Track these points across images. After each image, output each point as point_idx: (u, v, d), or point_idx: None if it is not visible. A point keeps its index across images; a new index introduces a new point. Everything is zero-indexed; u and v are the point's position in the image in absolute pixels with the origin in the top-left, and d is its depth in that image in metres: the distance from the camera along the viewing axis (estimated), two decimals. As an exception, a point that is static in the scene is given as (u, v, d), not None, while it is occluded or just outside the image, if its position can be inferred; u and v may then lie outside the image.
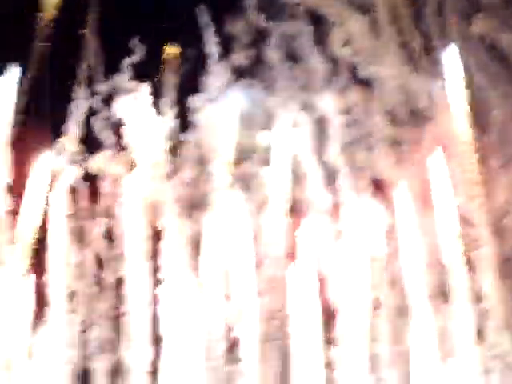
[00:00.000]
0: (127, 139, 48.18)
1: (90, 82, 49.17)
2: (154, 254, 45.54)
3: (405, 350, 42.62)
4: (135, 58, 48.97)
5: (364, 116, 45.57)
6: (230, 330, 43.91)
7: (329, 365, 43.07)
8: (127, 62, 49.06)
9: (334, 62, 46.89)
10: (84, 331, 45.25)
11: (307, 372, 42.65)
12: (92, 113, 48.91)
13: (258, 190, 46.16)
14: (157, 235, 45.95)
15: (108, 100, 49.04)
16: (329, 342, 43.12)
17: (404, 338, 42.79)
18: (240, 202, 45.54)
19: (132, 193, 47.09)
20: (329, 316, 43.38)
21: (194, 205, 46.31)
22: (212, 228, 45.31)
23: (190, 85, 48.82)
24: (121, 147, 48.05)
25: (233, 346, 43.94)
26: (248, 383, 43.23)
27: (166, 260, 45.09)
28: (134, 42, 48.73)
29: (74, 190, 47.48)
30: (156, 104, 48.90)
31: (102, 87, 48.88)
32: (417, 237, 43.16)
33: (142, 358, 44.37)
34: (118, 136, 48.24)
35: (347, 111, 45.80)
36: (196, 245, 45.22)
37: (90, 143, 48.51)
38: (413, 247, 43.17)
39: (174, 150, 47.91)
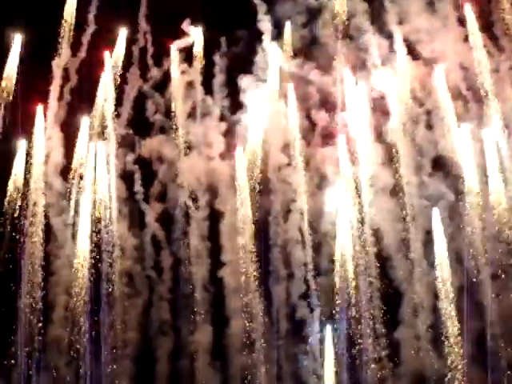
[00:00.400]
0: (180, 122, 47.81)
1: (142, 66, 49.00)
2: (214, 235, 45.26)
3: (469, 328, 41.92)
4: (187, 40, 48.72)
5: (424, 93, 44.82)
6: (294, 310, 43.56)
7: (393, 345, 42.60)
8: (178, 44, 48.80)
9: (390, 39, 46.23)
10: (144, 313, 45.00)
11: (371, 353, 42.18)
12: (144, 96, 48.73)
13: (317, 169, 45.69)
14: (216, 216, 45.67)
15: (160, 83, 48.84)
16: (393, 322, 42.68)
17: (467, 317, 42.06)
18: (300, 181, 45.10)
19: (188, 174, 46.74)
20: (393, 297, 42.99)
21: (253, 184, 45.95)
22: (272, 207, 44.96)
23: (241, 66, 48.47)
24: (174, 130, 47.73)
25: (298, 325, 43.66)
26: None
27: (227, 241, 44.69)
28: (186, 25, 48.53)
29: (128, 174, 47.24)
30: (208, 85, 48.57)
31: (154, 70, 48.65)
32: (480, 214, 42.44)
33: (202, 339, 44.13)
34: (171, 119, 47.95)
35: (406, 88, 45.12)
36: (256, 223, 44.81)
37: (143, 127, 48.34)
38: (476, 224, 42.45)
39: (228, 130, 47.58)
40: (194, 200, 46.26)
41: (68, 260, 44.43)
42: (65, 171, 46.04)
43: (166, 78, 48.69)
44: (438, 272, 42.11)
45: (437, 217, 42.56)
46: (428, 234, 43.27)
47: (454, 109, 43.84)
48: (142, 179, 47.25)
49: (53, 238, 44.98)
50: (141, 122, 48.12)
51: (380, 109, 45.77)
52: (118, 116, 47.91)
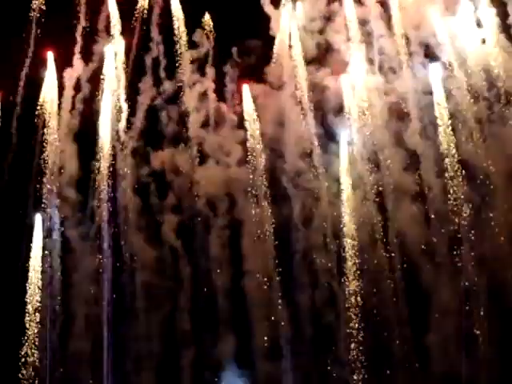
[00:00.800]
0: (194, 132, 47.46)
1: (156, 76, 48.69)
2: (234, 244, 44.77)
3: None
4: (199, 51, 48.51)
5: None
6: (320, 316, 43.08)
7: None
8: (190, 55, 48.57)
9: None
10: (165, 325, 44.38)
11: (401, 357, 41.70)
12: (158, 108, 48.34)
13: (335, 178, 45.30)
14: (235, 224, 45.19)
15: (173, 94, 48.49)
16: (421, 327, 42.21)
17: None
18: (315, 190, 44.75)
19: (203, 184, 46.31)
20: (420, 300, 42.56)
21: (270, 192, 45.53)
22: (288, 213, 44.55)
23: (253, 74, 48.22)
24: (188, 141, 47.35)
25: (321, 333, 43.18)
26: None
27: (246, 249, 44.20)
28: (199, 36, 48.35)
29: (143, 187, 46.77)
30: (221, 94, 48.26)
31: (167, 82, 48.33)
32: (504, 218, 42.10)
33: (225, 348, 43.51)
34: (186, 130, 47.57)
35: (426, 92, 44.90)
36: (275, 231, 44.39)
37: (156, 139, 47.93)
38: (499, 228, 42.09)
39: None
40: (213, 209, 45.62)
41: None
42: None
43: (178, 88, 48.14)
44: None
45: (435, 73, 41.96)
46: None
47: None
48: (158, 190, 46.52)
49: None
50: (154, 134, 47.55)
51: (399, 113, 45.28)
52: (130, 128, 47.29)
